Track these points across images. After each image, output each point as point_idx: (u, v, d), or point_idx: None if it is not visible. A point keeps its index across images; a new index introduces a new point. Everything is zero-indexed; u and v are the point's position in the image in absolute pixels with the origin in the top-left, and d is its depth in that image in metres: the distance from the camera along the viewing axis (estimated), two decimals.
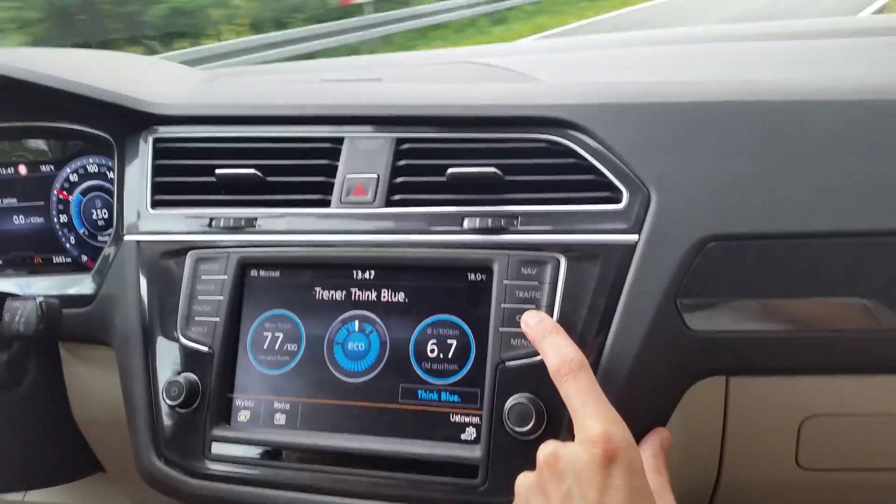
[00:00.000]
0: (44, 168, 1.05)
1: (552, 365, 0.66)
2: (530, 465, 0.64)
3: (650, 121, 0.78)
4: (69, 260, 1.05)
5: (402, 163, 0.84)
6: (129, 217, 0.92)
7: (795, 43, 1.05)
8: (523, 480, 0.64)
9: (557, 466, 0.60)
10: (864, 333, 0.72)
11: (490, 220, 0.77)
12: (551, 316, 0.73)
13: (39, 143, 1.05)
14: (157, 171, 0.92)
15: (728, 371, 0.75)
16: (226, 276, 0.84)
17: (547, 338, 0.69)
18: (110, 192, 1.02)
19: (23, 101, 0.98)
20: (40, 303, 0.87)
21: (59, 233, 1.05)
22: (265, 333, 0.82)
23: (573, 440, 0.62)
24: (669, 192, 0.74)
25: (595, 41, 1.24)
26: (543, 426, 0.70)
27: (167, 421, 0.83)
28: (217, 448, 0.80)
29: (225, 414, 0.81)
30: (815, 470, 0.80)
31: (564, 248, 0.75)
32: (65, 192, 1.04)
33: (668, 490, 0.66)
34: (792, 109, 0.77)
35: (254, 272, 0.84)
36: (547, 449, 0.61)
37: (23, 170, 1.05)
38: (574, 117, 0.79)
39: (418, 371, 0.77)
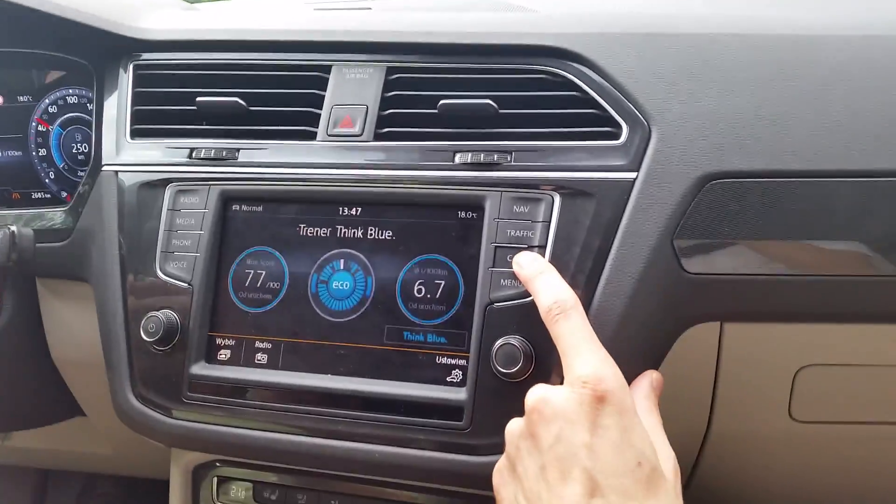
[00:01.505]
0: (21, 98, 1.01)
1: (543, 304, 0.64)
2: (517, 407, 0.62)
3: (654, 53, 0.75)
4: (48, 195, 1.01)
5: (391, 93, 0.80)
6: (107, 146, 0.89)
7: None
8: (513, 427, 0.62)
9: (546, 410, 0.58)
10: (865, 279, 0.69)
11: (482, 155, 0.74)
12: (543, 255, 0.70)
13: (17, 73, 1.01)
14: (137, 99, 0.89)
15: (724, 316, 0.73)
16: (207, 210, 0.81)
17: (539, 277, 0.66)
18: (90, 125, 0.98)
19: None
20: (12, 232, 0.84)
21: (38, 167, 1.01)
22: (247, 270, 0.79)
23: (562, 383, 0.59)
24: (671, 128, 0.71)
25: None
26: (531, 368, 0.68)
27: (144, 359, 0.80)
28: (195, 387, 0.78)
29: (204, 352, 0.78)
30: (807, 422, 0.78)
31: (559, 186, 0.72)
32: (44, 122, 1.00)
33: (660, 429, 0.64)
34: (799, 44, 0.74)
35: (236, 206, 0.81)
36: (535, 393, 0.59)
37: None
38: (574, 47, 0.76)
39: (405, 312, 0.74)
